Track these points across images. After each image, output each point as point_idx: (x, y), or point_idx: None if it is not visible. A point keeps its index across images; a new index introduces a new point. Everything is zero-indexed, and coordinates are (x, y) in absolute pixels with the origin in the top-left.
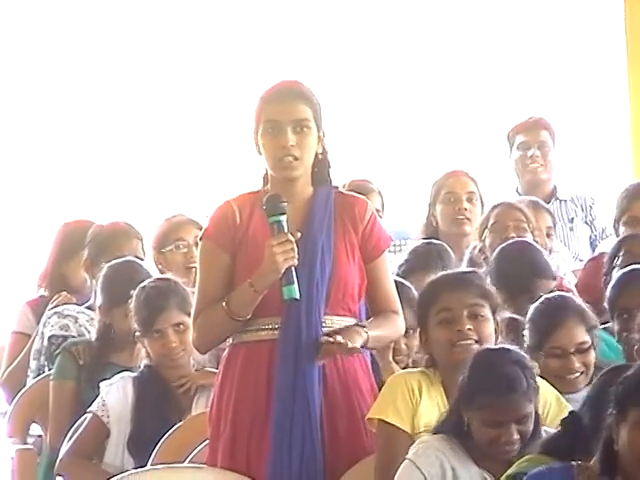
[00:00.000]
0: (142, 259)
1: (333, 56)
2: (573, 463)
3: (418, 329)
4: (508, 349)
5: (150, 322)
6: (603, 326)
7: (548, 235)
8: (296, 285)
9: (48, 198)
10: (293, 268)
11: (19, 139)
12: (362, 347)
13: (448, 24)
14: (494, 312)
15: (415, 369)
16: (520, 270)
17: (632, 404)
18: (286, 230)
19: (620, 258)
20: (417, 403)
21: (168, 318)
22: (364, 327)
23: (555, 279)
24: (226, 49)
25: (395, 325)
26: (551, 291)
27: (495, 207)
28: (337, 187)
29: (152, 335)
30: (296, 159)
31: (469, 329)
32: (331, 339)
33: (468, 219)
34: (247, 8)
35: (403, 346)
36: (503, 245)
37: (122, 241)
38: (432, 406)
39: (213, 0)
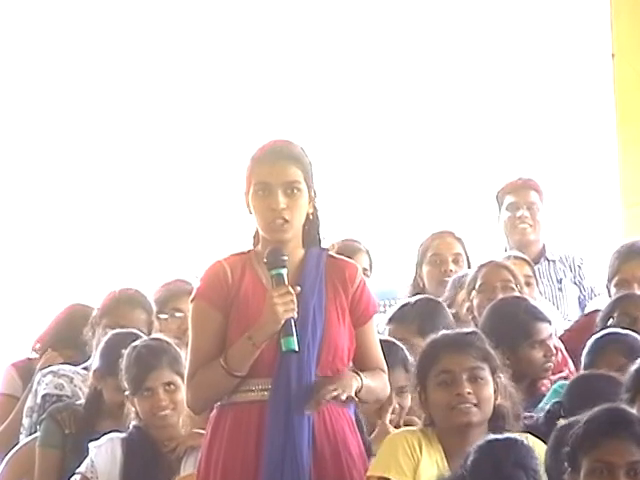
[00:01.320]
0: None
1: (322, 116)
2: None
3: (417, 388)
4: (513, 444)
5: (140, 380)
6: None
7: (528, 284)
8: (295, 337)
9: (35, 259)
10: (292, 320)
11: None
12: (355, 394)
13: (436, 84)
14: (494, 373)
15: (413, 427)
16: (519, 317)
17: (582, 454)
18: (286, 282)
19: (615, 319)
20: (418, 460)
21: (159, 377)
22: (358, 374)
23: (552, 323)
24: (219, 104)
25: (384, 381)
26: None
27: (482, 267)
28: (327, 250)
29: (142, 394)
30: (287, 222)
31: (468, 393)
32: (329, 393)
33: None
34: (232, 64)
35: (396, 405)
36: (496, 301)
37: (129, 309)
38: (431, 465)
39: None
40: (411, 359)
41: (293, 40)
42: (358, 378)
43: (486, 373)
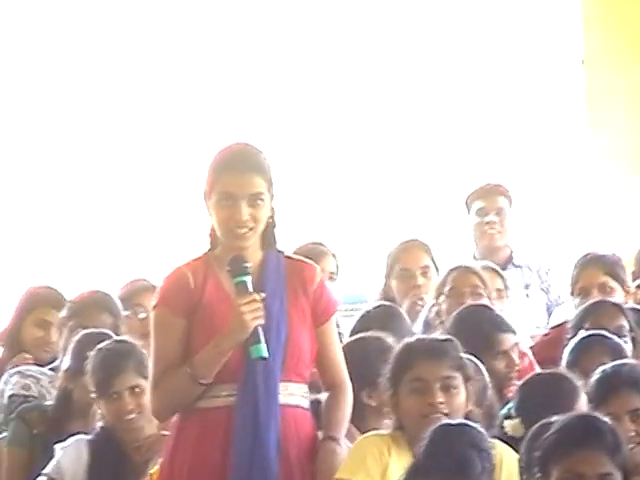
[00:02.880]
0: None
1: (295, 118)
2: None
3: (389, 392)
4: (467, 427)
5: (106, 384)
6: None
7: (499, 297)
8: (264, 344)
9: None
10: (260, 327)
11: None
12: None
13: (405, 87)
14: (466, 381)
15: (383, 431)
16: (482, 328)
17: (553, 463)
18: (251, 290)
19: (586, 329)
20: (387, 465)
21: (125, 381)
22: (335, 439)
23: (516, 333)
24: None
25: (348, 404)
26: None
27: (452, 271)
28: (284, 252)
29: (108, 397)
30: (250, 230)
31: (440, 402)
32: None
33: (423, 294)
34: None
35: None
36: (460, 309)
37: (95, 312)
38: (400, 469)
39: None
40: None
41: (270, 39)
42: (339, 450)
43: (459, 382)
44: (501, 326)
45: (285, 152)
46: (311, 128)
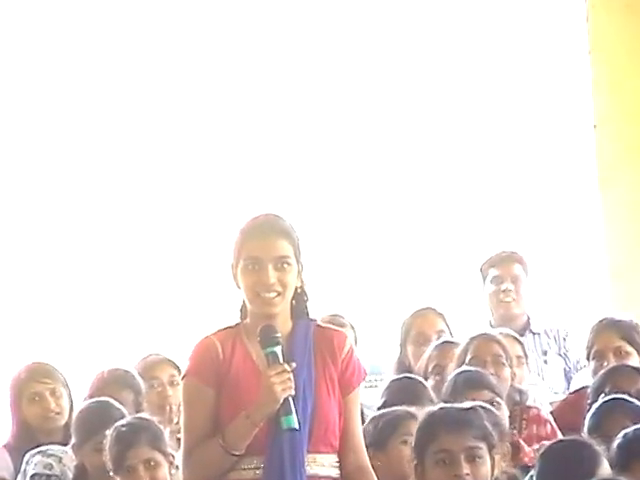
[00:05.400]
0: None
1: (306, 192)
2: None
3: (414, 461)
4: None
5: (121, 458)
6: None
7: (519, 364)
8: (294, 415)
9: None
10: (290, 398)
11: None
12: None
13: (419, 161)
14: (491, 450)
15: None
16: (455, 386)
17: None
18: (281, 360)
19: (607, 393)
20: None
21: (138, 454)
22: None
23: (495, 391)
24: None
25: None
26: (523, 419)
27: (473, 339)
28: (315, 320)
29: (123, 472)
30: (278, 295)
31: (467, 474)
32: None
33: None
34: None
35: None
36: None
37: (117, 389)
38: None
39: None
40: None
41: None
42: None
43: (484, 452)
44: (472, 384)
45: (304, 224)
46: (324, 201)
